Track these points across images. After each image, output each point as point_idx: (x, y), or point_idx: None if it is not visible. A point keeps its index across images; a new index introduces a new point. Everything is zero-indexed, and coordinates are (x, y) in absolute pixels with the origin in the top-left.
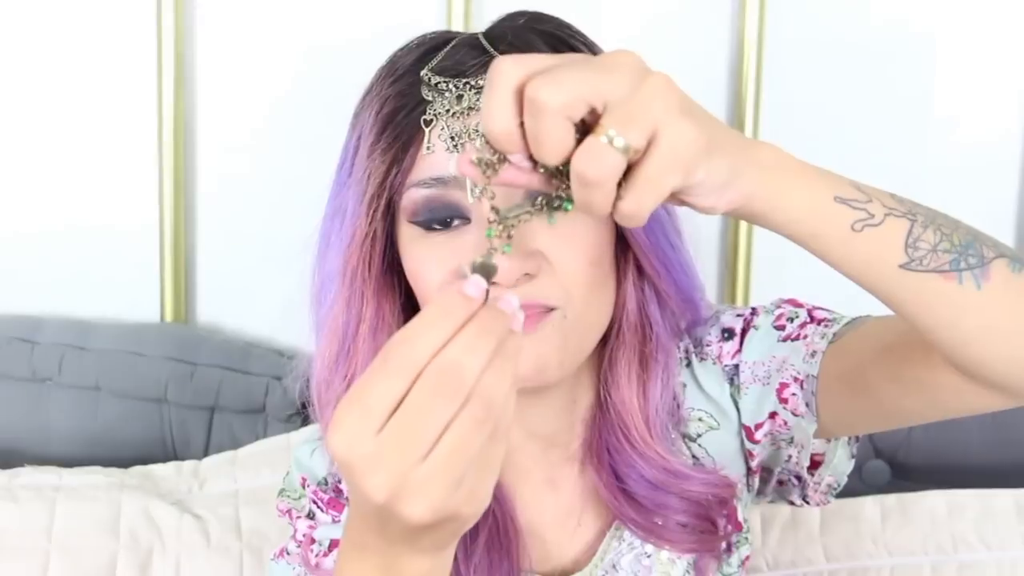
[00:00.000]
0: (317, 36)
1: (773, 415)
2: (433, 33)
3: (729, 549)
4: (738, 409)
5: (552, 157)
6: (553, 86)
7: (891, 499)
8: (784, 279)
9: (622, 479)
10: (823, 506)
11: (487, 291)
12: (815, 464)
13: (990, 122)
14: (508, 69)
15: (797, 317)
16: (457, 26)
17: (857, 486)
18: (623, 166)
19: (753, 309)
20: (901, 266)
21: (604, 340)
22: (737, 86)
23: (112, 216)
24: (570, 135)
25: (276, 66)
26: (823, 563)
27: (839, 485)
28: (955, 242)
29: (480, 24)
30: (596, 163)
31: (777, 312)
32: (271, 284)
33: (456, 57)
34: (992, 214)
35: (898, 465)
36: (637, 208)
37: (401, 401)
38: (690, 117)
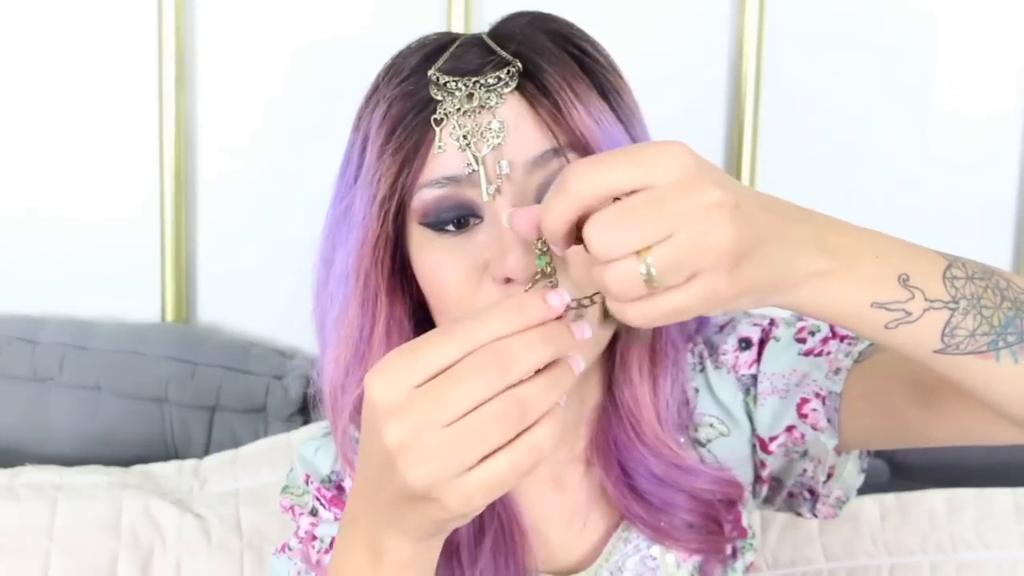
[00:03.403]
0: (318, 35)
1: (790, 428)
2: (434, 34)
3: (735, 554)
4: (751, 419)
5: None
6: (614, 239)
7: (890, 498)
8: None
9: (630, 475)
10: (830, 519)
11: (569, 311)
12: (827, 476)
13: (990, 116)
14: (578, 188)
15: (819, 331)
16: (457, 26)
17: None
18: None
19: (771, 320)
20: (936, 351)
21: (613, 337)
22: (737, 82)
23: (113, 216)
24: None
25: (277, 65)
26: (822, 562)
27: (848, 499)
28: (995, 323)
29: (480, 24)
30: (623, 286)
31: (798, 325)
32: (271, 284)
33: (464, 57)
34: (992, 207)
35: (897, 464)
36: (643, 321)
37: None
38: (734, 271)
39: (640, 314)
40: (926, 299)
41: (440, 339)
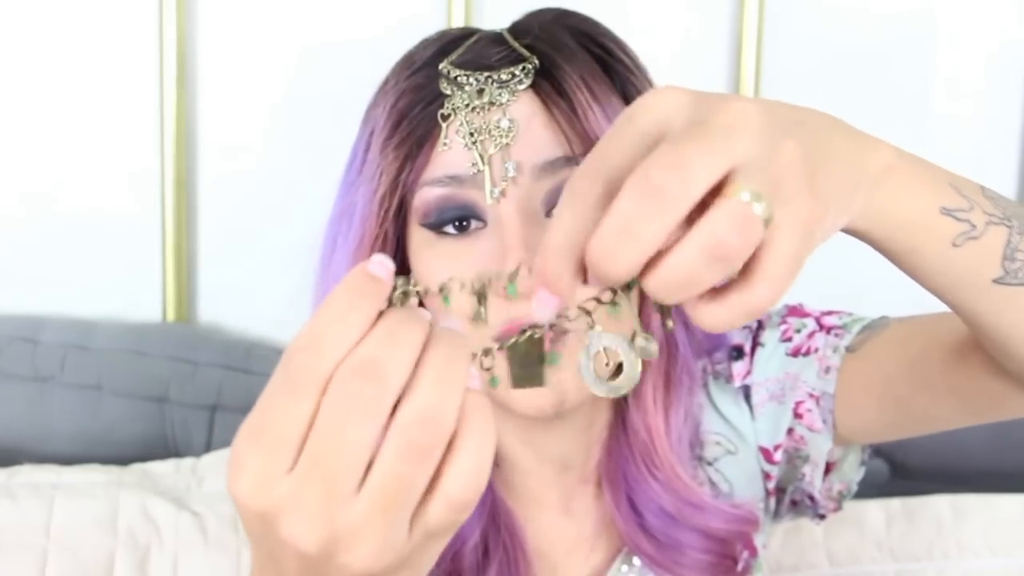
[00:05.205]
0: (319, 36)
1: (790, 431)
2: (455, 29)
3: (745, 575)
4: (753, 430)
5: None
6: (680, 170)
7: (896, 504)
8: None
9: (639, 511)
10: (836, 513)
11: (398, 291)
12: (826, 470)
13: (989, 119)
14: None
15: (804, 327)
16: (458, 26)
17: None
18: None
19: (759, 322)
20: (995, 281)
21: None
22: (736, 85)
23: (114, 216)
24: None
25: (278, 65)
26: (826, 568)
27: (850, 492)
28: None
29: (480, 24)
30: (742, 231)
31: (782, 327)
32: (273, 284)
33: (480, 51)
34: None
35: (898, 464)
36: (774, 298)
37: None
38: (813, 186)
39: (771, 277)
40: (984, 211)
41: (282, 398)
